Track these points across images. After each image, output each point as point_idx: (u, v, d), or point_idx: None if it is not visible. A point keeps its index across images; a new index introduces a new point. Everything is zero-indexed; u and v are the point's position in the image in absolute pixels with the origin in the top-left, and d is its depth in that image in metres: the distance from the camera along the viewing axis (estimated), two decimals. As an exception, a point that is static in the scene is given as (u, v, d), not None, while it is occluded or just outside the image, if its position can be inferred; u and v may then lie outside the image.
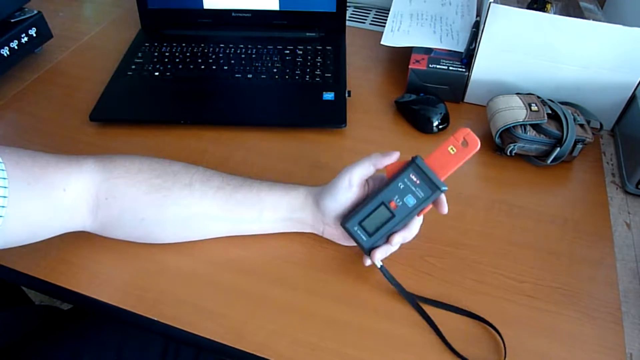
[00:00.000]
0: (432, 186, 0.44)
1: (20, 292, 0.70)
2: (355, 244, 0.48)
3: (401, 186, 0.44)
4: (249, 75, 0.73)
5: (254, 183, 0.50)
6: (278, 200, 0.50)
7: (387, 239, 0.46)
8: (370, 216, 0.45)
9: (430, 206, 0.45)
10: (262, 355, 0.44)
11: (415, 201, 0.44)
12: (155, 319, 0.47)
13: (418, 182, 0.44)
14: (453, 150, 0.43)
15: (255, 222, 0.50)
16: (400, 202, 0.44)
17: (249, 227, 0.51)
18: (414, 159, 0.45)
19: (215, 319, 0.47)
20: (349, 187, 0.47)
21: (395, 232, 0.46)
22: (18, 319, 0.59)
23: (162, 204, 0.48)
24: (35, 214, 0.43)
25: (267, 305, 0.48)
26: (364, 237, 0.46)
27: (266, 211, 0.50)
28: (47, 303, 0.74)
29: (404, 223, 0.45)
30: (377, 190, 0.46)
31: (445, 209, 0.46)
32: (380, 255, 0.47)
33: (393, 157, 0.46)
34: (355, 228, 0.46)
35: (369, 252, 0.47)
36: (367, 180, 0.48)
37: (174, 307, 0.48)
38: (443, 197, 0.46)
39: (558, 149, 0.59)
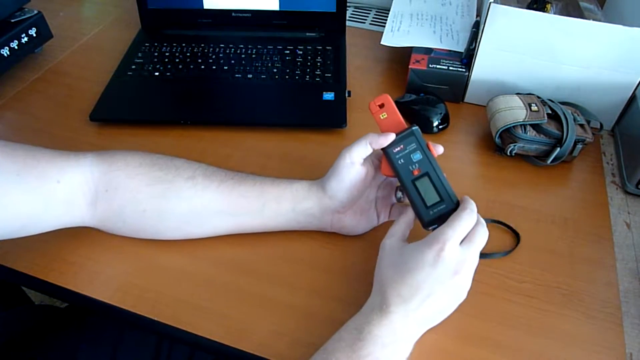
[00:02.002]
0: (408, 136, 0.47)
1: (20, 292, 0.70)
2: (365, 232, 0.53)
3: (401, 161, 0.47)
4: (249, 75, 0.73)
5: (257, 177, 0.51)
6: (281, 192, 0.50)
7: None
8: (422, 195, 0.46)
9: (431, 147, 0.47)
10: (262, 355, 0.44)
11: (418, 152, 0.47)
12: (155, 319, 0.47)
13: (402, 146, 0.47)
14: (385, 116, 0.49)
15: (258, 215, 0.50)
16: (416, 164, 0.47)
17: (251, 221, 0.51)
18: (385, 150, 0.48)
19: (215, 319, 0.47)
20: (350, 165, 0.47)
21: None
22: (18, 319, 0.59)
23: (164, 196, 0.48)
24: (25, 205, 0.43)
25: (267, 305, 0.48)
26: (441, 206, 0.46)
27: (269, 203, 0.50)
28: (47, 303, 0.74)
29: (436, 168, 0.47)
30: (401, 184, 0.47)
31: (439, 148, 0.48)
32: None
33: (389, 138, 0.47)
34: (431, 213, 0.46)
35: (457, 203, 0.47)
36: (371, 161, 0.49)
37: (173, 307, 0.48)
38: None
39: (558, 149, 0.59)
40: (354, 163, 0.48)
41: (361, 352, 0.39)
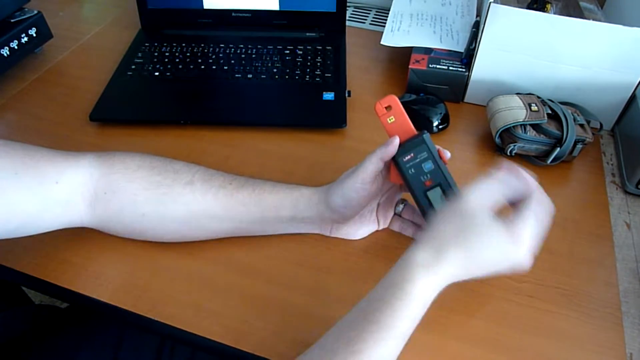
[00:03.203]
0: (419, 143, 0.45)
1: (20, 292, 0.70)
2: (365, 236, 0.52)
3: (412, 171, 0.45)
4: (249, 75, 0.73)
5: (256, 183, 0.50)
6: (281, 201, 0.49)
7: None
8: (434, 206, 0.45)
9: (442, 154, 0.46)
10: (262, 355, 0.44)
11: (430, 161, 0.45)
12: (156, 319, 0.47)
13: (412, 154, 0.45)
14: (392, 119, 0.46)
15: (257, 222, 0.50)
16: (427, 175, 0.45)
17: (250, 227, 0.51)
18: (394, 158, 0.46)
19: (215, 319, 0.47)
20: (362, 187, 0.46)
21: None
22: (18, 319, 0.59)
23: (162, 201, 0.48)
24: (22, 204, 0.43)
25: (267, 305, 0.48)
26: None
27: (268, 211, 0.49)
28: (47, 303, 0.74)
29: (448, 177, 0.46)
30: (412, 193, 0.46)
31: (447, 153, 0.47)
32: None
33: (395, 143, 0.46)
34: None
35: None
36: (380, 173, 0.48)
37: (173, 307, 0.48)
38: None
39: (558, 149, 0.59)
40: (365, 184, 0.46)
41: (401, 313, 0.37)
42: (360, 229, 0.52)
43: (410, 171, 0.45)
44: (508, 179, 0.43)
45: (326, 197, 0.48)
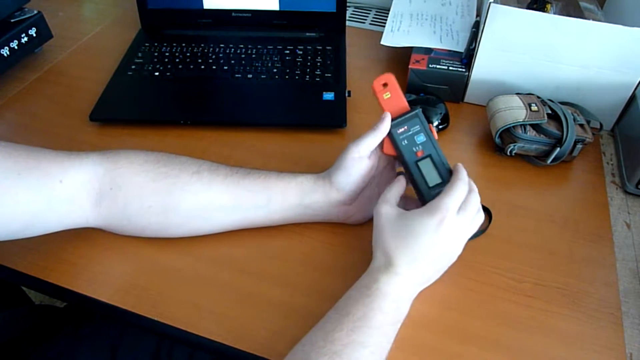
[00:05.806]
0: (412, 117, 0.49)
1: (20, 292, 0.70)
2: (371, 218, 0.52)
3: (406, 142, 0.48)
4: (249, 75, 0.73)
5: (262, 171, 0.51)
6: (286, 185, 0.50)
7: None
8: (426, 177, 0.48)
9: (433, 130, 0.49)
10: (262, 355, 0.44)
11: (422, 134, 0.48)
12: (156, 319, 0.47)
13: (405, 127, 0.48)
14: (388, 95, 0.49)
15: (263, 209, 0.50)
16: (419, 146, 0.48)
17: (257, 214, 0.51)
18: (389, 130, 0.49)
19: (215, 319, 0.47)
20: (359, 159, 0.48)
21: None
22: (18, 319, 0.59)
23: (170, 191, 0.48)
24: (27, 204, 0.43)
25: (267, 305, 0.48)
26: (442, 187, 0.47)
27: (275, 196, 0.50)
28: (47, 303, 0.74)
29: (438, 150, 0.49)
30: (403, 164, 0.49)
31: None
32: None
33: (387, 119, 0.48)
34: (433, 193, 0.47)
35: None
36: (376, 150, 0.50)
37: (174, 307, 0.48)
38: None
39: (558, 149, 0.59)
40: (363, 156, 0.48)
41: (371, 305, 0.42)
42: (366, 211, 0.53)
43: (403, 142, 0.48)
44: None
45: (329, 176, 0.50)
